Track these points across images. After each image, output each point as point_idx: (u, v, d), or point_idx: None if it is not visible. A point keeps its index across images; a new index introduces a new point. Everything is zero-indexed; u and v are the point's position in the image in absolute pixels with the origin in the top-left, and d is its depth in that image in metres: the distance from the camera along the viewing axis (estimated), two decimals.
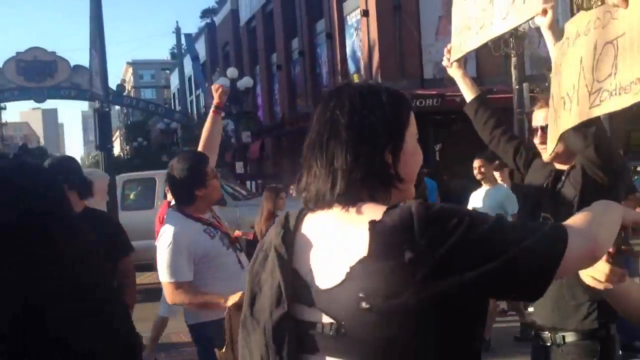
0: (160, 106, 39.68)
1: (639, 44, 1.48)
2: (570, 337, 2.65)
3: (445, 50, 3.12)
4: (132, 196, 12.61)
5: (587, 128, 2.35)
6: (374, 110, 1.43)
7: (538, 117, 2.83)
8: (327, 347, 1.30)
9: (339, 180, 1.39)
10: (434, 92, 18.07)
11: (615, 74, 1.57)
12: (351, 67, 23.35)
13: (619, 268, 1.63)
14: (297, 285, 1.36)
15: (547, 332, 2.72)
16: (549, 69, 2.09)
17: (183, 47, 44.04)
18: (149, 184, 12.19)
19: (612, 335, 2.69)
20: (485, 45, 2.87)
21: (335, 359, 1.30)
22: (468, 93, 3.14)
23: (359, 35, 22.30)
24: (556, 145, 2.18)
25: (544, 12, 2.15)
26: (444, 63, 3.13)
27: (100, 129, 11.22)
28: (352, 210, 1.37)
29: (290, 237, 1.42)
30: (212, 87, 3.95)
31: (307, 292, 1.35)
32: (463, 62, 3.12)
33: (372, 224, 1.29)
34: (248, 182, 22.57)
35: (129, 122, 61.58)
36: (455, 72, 3.12)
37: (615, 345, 2.71)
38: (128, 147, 52.16)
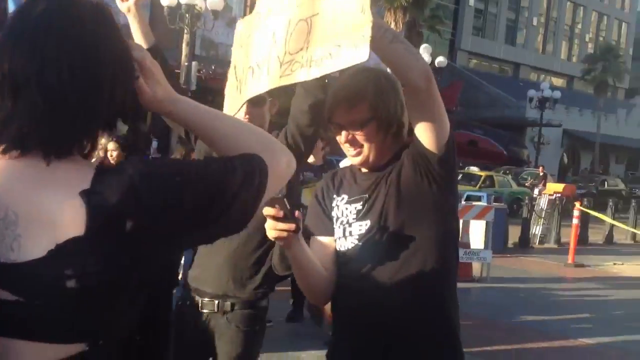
0: None
1: (331, 23, 1.60)
2: (239, 305, 2.72)
3: None
4: None
5: (316, 100, 2.43)
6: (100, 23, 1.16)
7: None
8: (14, 330, 1.08)
9: (51, 116, 1.11)
10: None
11: (307, 48, 1.66)
12: (11, 6, 20.99)
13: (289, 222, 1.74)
14: None
15: (213, 299, 2.73)
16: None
17: None
18: None
19: (266, 307, 2.88)
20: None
21: (24, 341, 1.09)
22: (141, 40, 2.73)
23: None
24: (238, 111, 2.17)
25: None
26: None
27: None
28: (54, 165, 1.12)
29: None
30: None
31: None
32: (142, 6, 2.73)
33: (86, 197, 1.09)
34: None
35: None
36: (129, 9, 2.66)
37: (265, 314, 2.89)
38: None
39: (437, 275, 1.98)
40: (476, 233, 10.35)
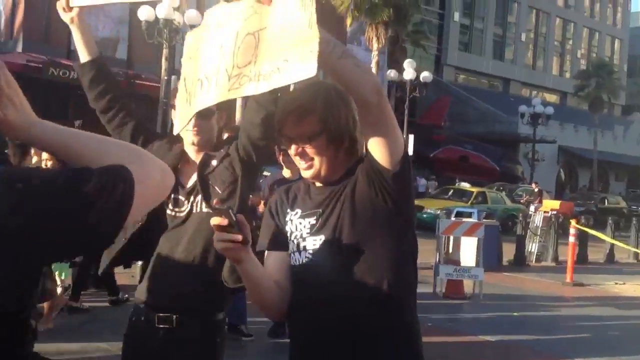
0: None
1: (279, 38, 1.60)
2: (199, 318, 2.67)
3: None
4: None
5: (268, 113, 2.45)
6: None
7: None
8: None
9: None
10: None
11: (255, 62, 1.67)
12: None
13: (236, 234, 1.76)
14: None
15: (170, 314, 2.65)
16: None
17: None
18: None
19: (224, 319, 2.82)
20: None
21: None
22: (84, 52, 2.70)
23: None
24: (187, 124, 2.17)
25: None
26: (59, 4, 2.57)
27: None
28: None
29: None
30: None
31: None
32: (84, 18, 2.63)
33: None
34: None
35: None
36: (72, 20, 2.59)
37: (224, 326, 2.85)
38: None
39: (395, 291, 1.96)
40: (467, 250, 10.02)
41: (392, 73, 25.01)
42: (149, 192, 1.26)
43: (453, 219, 10.80)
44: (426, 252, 11.11)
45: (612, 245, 15.04)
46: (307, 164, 1.98)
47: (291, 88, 1.95)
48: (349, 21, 24.50)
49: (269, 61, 1.63)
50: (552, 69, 49.18)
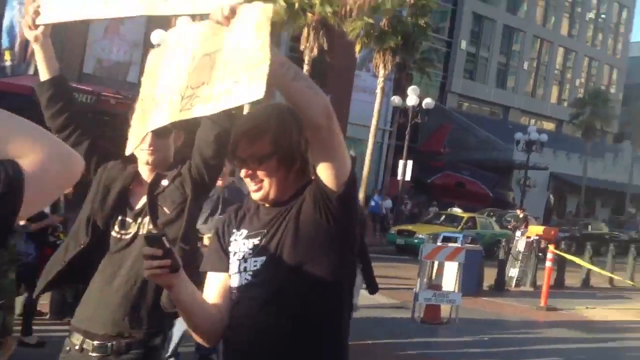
0: None
1: (233, 60, 1.62)
2: (135, 345, 2.56)
3: (33, 8, 2.40)
4: None
5: (222, 130, 2.43)
6: None
7: None
8: None
9: None
10: (90, 89, 17.50)
11: (208, 83, 1.67)
12: (5, 41, 21.34)
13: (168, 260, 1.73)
14: None
15: (105, 342, 2.55)
16: None
17: None
18: None
19: (162, 343, 2.71)
20: None
21: None
22: (44, 70, 2.62)
23: (22, 11, 20.52)
24: (142, 143, 2.23)
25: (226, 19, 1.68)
26: (25, 22, 2.42)
27: None
28: None
29: None
30: None
31: None
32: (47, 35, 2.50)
33: None
34: None
35: None
36: (36, 39, 2.46)
37: (162, 352, 2.75)
38: None
39: (331, 314, 1.97)
40: (449, 275, 10.16)
41: (396, 99, 25.06)
42: (47, 181, 1.22)
43: (439, 243, 10.91)
44: (413, 278, 11.09)
45: (589, 270, 15.34)
46: (256, 185, 1.96)
47: (246, 109, 1.98)
48: (357, 47, 24.39)
49: (221, 82, 1.63)
50: (550, 97, 49.49)
